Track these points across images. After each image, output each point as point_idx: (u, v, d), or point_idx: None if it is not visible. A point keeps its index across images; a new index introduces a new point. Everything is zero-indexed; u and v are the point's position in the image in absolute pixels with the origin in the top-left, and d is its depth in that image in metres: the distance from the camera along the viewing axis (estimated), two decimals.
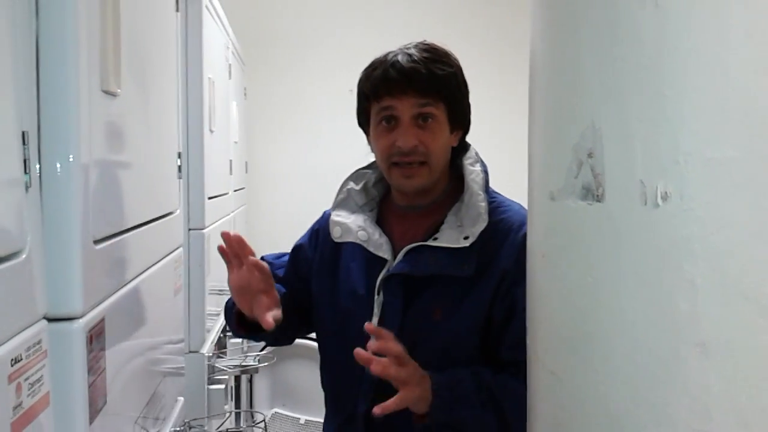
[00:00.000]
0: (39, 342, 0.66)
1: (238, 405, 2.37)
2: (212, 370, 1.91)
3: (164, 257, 1.20)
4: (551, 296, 0.76)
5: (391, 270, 1.15)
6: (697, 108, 0.58)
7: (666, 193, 0.60)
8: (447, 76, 1.12)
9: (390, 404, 1.01)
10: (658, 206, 0.61)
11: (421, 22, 3.26)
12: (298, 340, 3.22)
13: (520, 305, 0.90)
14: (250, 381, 2.79)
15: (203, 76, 1.74)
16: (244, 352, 2.23)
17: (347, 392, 1.17)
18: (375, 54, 1.16)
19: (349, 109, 1.22)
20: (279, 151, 3.40)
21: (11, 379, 0.59)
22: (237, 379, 2.34)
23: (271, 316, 1.09)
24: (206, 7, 1.77)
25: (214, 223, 1.96)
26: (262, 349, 2.74)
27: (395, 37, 1.30)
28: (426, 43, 1.15)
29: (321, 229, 1.28)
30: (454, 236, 1.11)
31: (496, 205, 1.16)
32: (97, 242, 0.78)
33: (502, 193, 1.23)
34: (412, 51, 1.12)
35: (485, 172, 1.18)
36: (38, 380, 0.65)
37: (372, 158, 1.23)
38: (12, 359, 0.60)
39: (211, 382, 1.87)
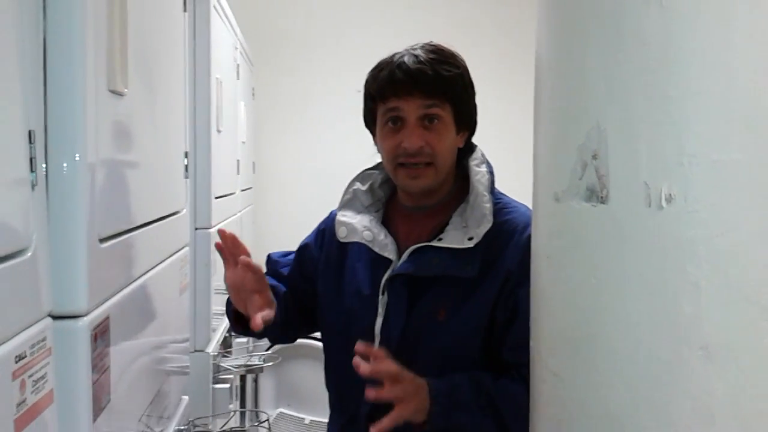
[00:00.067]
0: (44, 339, 0.66)
1: (243, 404, 2.38)
2: (217, 369, 1.91)
3: (170, 256, 1.21)
4: (555, 297, 0.76)
5: (395, 270, 1.15)
6: (701, 110, 0.58)
7: (670, 195, 0.60)
8: (453, 77, 1.12)
9: (386, 423, 1.02)
10: (662, 208, 0.60)
11: (429, 22, 3.26)
12: (303, 341, 3.23)
13: (523, 306, 0.90)
14: (256, 381, 2.80)
15: (211, 76, 1.75)
16: (249, 352, 2.24)
17: (350, 392, 1.17)
18: (383, 54, 1.16)
19: (357, 109, 1.23)
20: (287, 152, 3.40)
21: (15, 376, 0.60)
22: (242, 378, 2.35)
23: (261, 317, 1.10)
24: (214, 7, 1.78)
25: (221, 222, 1.97)
26: (267, 349, 2.75)
27: (403, 37, 1.30)
28: (432, 44, 1.15)
29: (327, 229, 1.28)
30: (458, 237, 1.11)
31: (501, 206, 1.16)
32: (102, 241, 0.79)
33: (508, 195, 1.23)
34: (419, 52, 1.12)
35: (491, 173, 1.18)
36: (42, 377, 0.65)
37: (378, 159, 1.23)
38: (16, 356, 0.60)
39: (216, 381, 1.87)
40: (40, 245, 0.66)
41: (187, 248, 1.37)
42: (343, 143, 3.01)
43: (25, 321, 0.64)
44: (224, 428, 1.79)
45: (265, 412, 2.16)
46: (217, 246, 1.14)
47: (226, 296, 1.24)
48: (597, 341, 0.68)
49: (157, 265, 1.10)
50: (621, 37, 0.63)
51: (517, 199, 1.21)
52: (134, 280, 0.95)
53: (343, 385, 1.25)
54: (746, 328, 0.58)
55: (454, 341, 1.12)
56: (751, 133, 0.57)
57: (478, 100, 1.20)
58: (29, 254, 0.64)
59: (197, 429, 1.49)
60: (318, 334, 1.32)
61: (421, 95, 1.10)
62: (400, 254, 1.17)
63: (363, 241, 1.18)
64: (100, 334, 0.78)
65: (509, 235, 1.13)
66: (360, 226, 1.20)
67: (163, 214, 1.14)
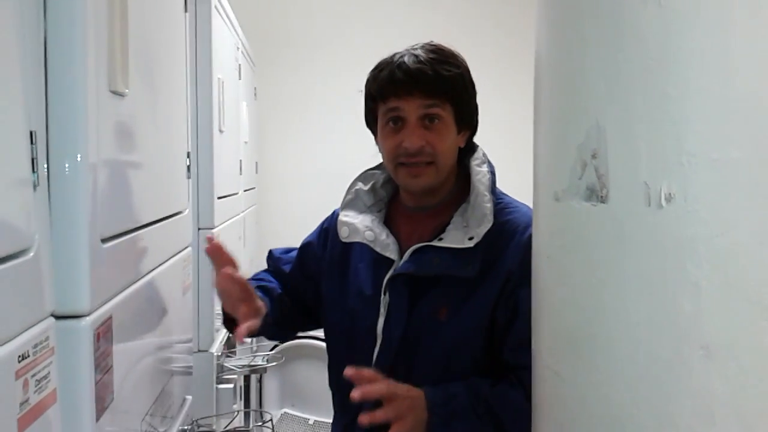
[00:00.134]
0: (46, 339, 0.67)
1: (247, 404, 2.38)
2: (221, 369, 1.92)
3: (173, 256, 1.21)
4: (555, 296, 0.76)
5: (397, 270, 1.16)
6: (701, 109, 0.58)
7: (670, 194, 0.60)
8: (453, 77, 1.12)
9: None
10: (662, 207, 0.60)
11: (430, 22, 3.26)
12: (307, 341, 3.23)
13: (524, 307, 0.90)
14: (260, 381, 2.81)
15: (212, 77, 1.75)
16: (253, 352, 2.24)
17: (353, 390, 1.16)
18: (385, 54, 1.16)
19: (359, 109, 1.23)
20: (289, 152, 3.41)
21: (18, 375, 0.60)
22: (246, 378, 2.35)
23: (245, 328, 1.11)
24: (215, 7, 1.78)
25: (224, 222, 1.97)
26: (271, 349, 2.75)
27: (405, 37, 1.30)
28: (433, 43, 1.15)
29: (331, 228, 1.28)
30: (459, 237, 1.11)
31: (502, 206, 1.16)
32: (104, 241, 0.79)
33: (510, 194, 1.23)
34: (419, 52, 1.12)
35: (492, 173, 1.18)
36: (45, 377, 0.66)
37: (380, 159, 1.23)
38: (19, 356, 0.61)
39: (220, 381, 1.88)
40: (42, 245, 0.67)
41: (189, 248, 1.38)
42: (345, 143, 3.01)
43: (28, 321, 0.64)
44: (228, 428, 1.79)
45: (268, 412, 2.17)
46: (207, 251, 1.15)
47: None
48: (597, 340, 0.68)
49: (160, 265, 1.11)
50: (620, 36, 0.63)
51: (519, 199, 1.21)
52: (137, 280, 0.96)
53: (346, 384, 1.25)
54: (746, 327, 0.58)
55: (454, 341, 1.12)
56: (751, 131, 0.56)
57: (480, 99, 1.20)
58: (31, 254, 0.64)
59: (201, 429, 1.49)
60: (322, 335, 1.33)
61: (421, 95, 1.10)
62: (401, 254, 1.18)
63: (365, 241, 1.19)
64: (103, 334, 0.78)
65: (510, 235, 1.13)
66: (362, 226, 1.20)
67: (166, 215, 1.14)
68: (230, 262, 1.15)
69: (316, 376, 2.95)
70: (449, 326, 1.12)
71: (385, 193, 1.27)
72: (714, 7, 0.58)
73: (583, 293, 0.70)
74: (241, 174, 2.35)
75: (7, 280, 0.60)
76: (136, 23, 0.90)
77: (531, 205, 0.90)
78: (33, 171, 0.65)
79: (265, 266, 1.39)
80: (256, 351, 2.29)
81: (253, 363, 2.10)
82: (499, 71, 3.17)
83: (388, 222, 1.24)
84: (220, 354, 1.90)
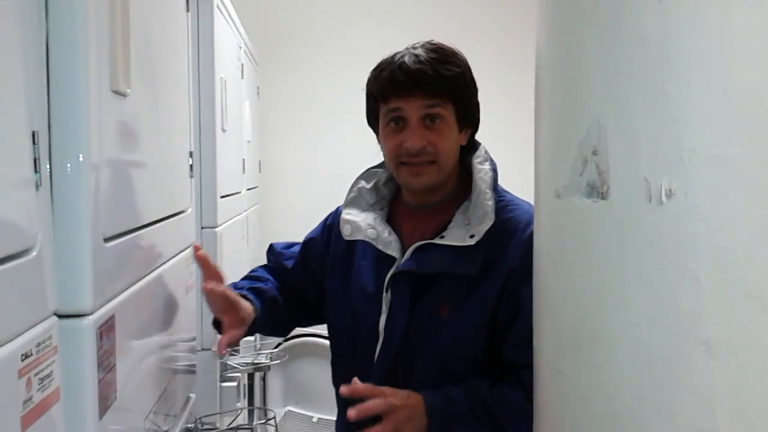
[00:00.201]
0: (49, 338, 0.67)
1: (251, 402, 2.39)
2: (224, 367, 1.92)
3: (176, 255, 1.22)
4: (556, 293, 0.76)
5: (398, 268, 1.16)
6: (701, 105, 0.58)
7: (670, 190, 0.60)
8: (454, 76, 1.12)
9: None
10: (662, 203, 0.60)
11: (433, 20, 3.26)
12: (310, 339, 3.23)
13: (525, 304, 0.90)
14: (263, 379, 2.81)
15: (215, 76, 1.75)
16: (256, 350, 2.25)
17: None
18: (388, 52, 1.16)
19: (362, 107, 1.23)
20: (292, 150, 3.41)
21: (21, 374, 0.61)
22: (250, 376, 2.36)
23: (225, 340, 1.13)
24: (217, 7, 1.79)
25: (228, 221, 1.98)
26: (275, 347, 2.75)
27: (407, 35, 1.30)
28: (433, 42, 1.15)
29: (334, 225, 1.29)
30: (460, 234, 1.12)
31: (504, 203, 1.16)
32: (107, 240, 0.79)
33: (513, 192, 1.23)
34: (419, 51, 1.12)
35: (494, 170, 1.18)
36: (48, 375, 0.66)
37: (382, 157, 1.23)
38: (22, 354, 0.61)
39: (224, 379, 1.88)
40: (45, 245, 0.67)
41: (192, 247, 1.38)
42: (348, 141, 3.01)
43: (31, 320, 0.64)
44: (231, 426, 1.79)
45: (271, 410, 2.17)
46: (195, 256, 1.17)
47: None
48: (598, 337, 0.68)
49: (163, 264, 1.11)
50: (620, 34, 0.63)
51: (521, 197, 1.21)
52: (140, 279, 0.96)
53: (349, 381, 1.25)
54: (747, 323, 0.58)
55: (456, 339, 1.12)
56: (751, 128, 0.56)
57: (482, 97, 1.20)
58: (34, 254, 0.65)
59: (204, 427, 1.49)
60: (325, 332, 1.33)
61: (422, 95, 1.10)
62: (404, 252, 1.18)
63: (367, 239, 1.19)
64: (106, 333, 0.78)
65: (511, 232, 1.13)
66: (364, 224, 1.20)
67: (168, 214, 1.14)
68: (214, 274, 1.17)
69: (320, 374, 2.95)
70: (450, 324, 1.12)
71: (388, 191, 1.27)
72: (714, 4, 0.58)
73: (583, 290, 0.70)
74: (243, 173, 2.35)
75: (9, 280, 0.60)
76: (137, 23, 0.90)
77: (532, 203, 0.90)
78: (35, 171, 0.66)
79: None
80: (260, 349, 2.30)
81: (256, 361, 2.10)
82: (501, 69, 3.16)
83: (391, 220, 1.24)
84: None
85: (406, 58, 1.11)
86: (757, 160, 0.57)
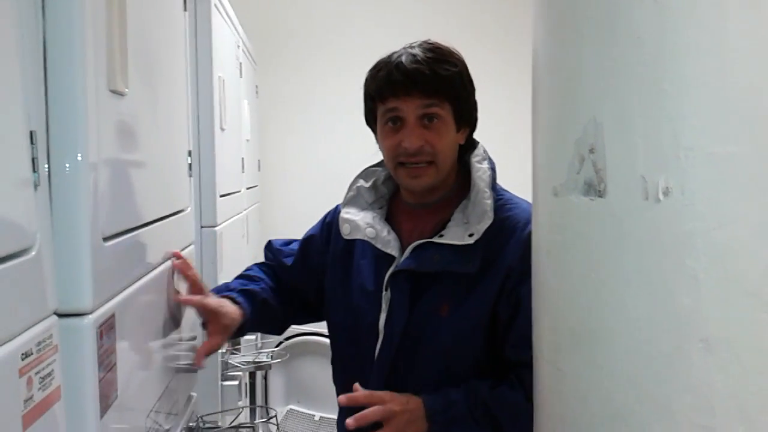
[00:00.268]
0: (50, 337, 0.67)
1: (253, 401, 2.39)
2: (226, 366, 1.92)
3: None
4: (555, 291, 0.76)
5: (398, 266, 1.16)
6: (697, 103, 0.58)
7: (667, 188, 0.60)
8: (451, 75, 1.12)
9: None
10: (659, 201, 0.61)
11: (432, 20, 3.25)
12: (311, 337, 3.23)
13: (525, 303, 0.90)
14: (265, 378, 2.82)
15: (213, 75, 1.75)
16: (257, 349, 2.25)
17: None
18: (386, 51, 1.16)
19: (361, 106, 1.23)
20: (292, 149, 3.41)
21: (22, 373, 0.61)
22: (252, 375, 2.36)
23: (203, 351, 1.15)
24: (215, 6, 1.79)
25: (227, 220, 1.98)
26: (276, 346, 2.76)
27: (406, 34, 1.30)
28: (430, 42, 1.15)
29: (334, 223, 1.29)
30: (459, 233, 1.12)
31: (503, 202, 1.16)
32: (106, 239, 0.80)
33: (510, 191, 1.23)
34: (416, 51, 1.12)
35: (492, 169, 1.18)
36: (49, 374, 0.66)
37: (381, 156, 1.23)
38: (23, 353, 0.61)
39: (225, 378, 1.88)
40: (44, 244, 0.67)
41: (192, 246, 1.38)
42: (347, 140, 3.01)
43: (31, 319, 0.65)
44: (233, 424, 1.80)
45: (273, 408, 2.17)
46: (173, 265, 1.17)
47: None
48: (597, 334, 0.68)
49: (163, 262, 1.11)
50: (616, 32, 0.63)
51: (520, 196, 1.21)
52: (140, 278, 0.96)
53: (350, 379, 1.25)
54: (745, 320, 0.58)
55: (455, 337, 1.13)
56: (747, 125, 0.57)
57: (479, 96, 1.20)
58: (33, 253, 0.65)
59: (206, 425, 1.50)
60: (326, 331, 1.33)
61: (419, 95, 1.10)
62: (403, 251, 1.18)
63: (366, 238, 1.19)
64: (106, 332, 0.79)
65: (510, 231, 1.13)
66: (363, 223, 1.20)
67: (167, 213, 1.14)
68: (193, 283, 1.17)
69: (322, 373, 2.96)
70: (450, 322, 1.13)
71: (387, 190, 1.27)
72: (710, 2, 0.58)
73: (582, 287, 0.70)
74: (243, 172, 2.35)
75: (9, 279, 0.60)
76: (135, 22, 0.90)
77: (531, 201, 0.90)
78: (34, 171, 0.66)
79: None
80: (261, 348, 2.30)
81: (257, 360, 2.10)
82: (499, 68, 3.16)
83: (390, 219, 1.24)
84: (224, 351, 1.91)
85: (403, 58, 1.11)
86: (754, 158, 0.57)
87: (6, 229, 0.60)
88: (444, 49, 1.14)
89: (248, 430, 1.63)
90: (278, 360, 2.18)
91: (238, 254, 2.17)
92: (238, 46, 2.30)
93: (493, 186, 1.16)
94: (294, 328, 2.84)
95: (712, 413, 0.60)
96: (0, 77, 0.60)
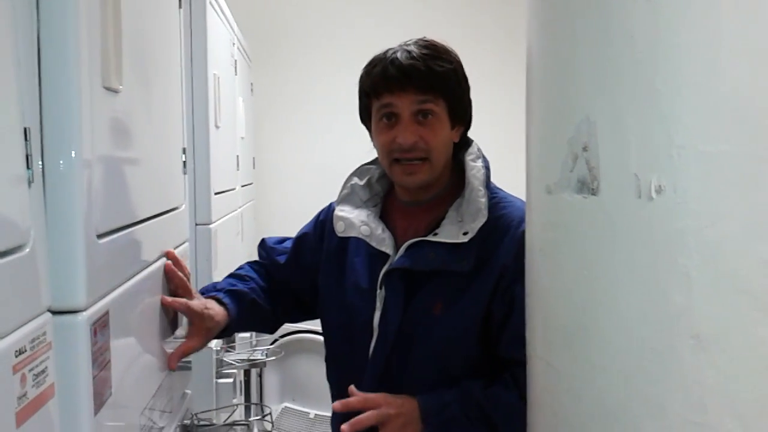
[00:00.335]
0: (43, 334, 0.67)
1: (248, 399, 2.39)
2: (220, 363, 1.92)
3: None
4: (548, 289, 0.76)
5: (392, 265, 1.16)
6: (690, 102, 0.59)
7: (660, 186, 0.60)
8: (446, 72, 1.12)
9: None
10: (652, 199, 0.61)
11: (428, 18, 3.25)
12: (306, 335, 3.23)
13: (520, 302, 0.90)
14: (260, 375, 2.82)
15: (208, 73, 1.75)
16: (252, 346, 2.25)
17: (351, 383, 1.17)
18: (382, 49, 1.16)
19: (356, 104, 1.23)
20: (287, 147, 3.41)
21: (15, 370, 0.61)
22: (247, 373, 2.36)
23: (177, 353, 1.15)
24: (210, 3, 1.78)
25: (222, 218, 1.98)
26: (271, 344, 2.76)
27: (402, 33, 1.30)
28: (426, 39, 1.15)
29: (327, 221, 1.29)
30: (453, 231, 1.12)
31: (497, 200, 1.17)
32: (100, 236, 0.79)
33: (504, 189, 1.23)
34: (412, 48, 1.12)
35: (487, 167, 1.18)
36: (43, 371, 0.66)
37: (375, 154, 1.23)
38: (16, 350, 0.61)
39: (220, 375, 1.88)
40: (38, 241, 0.67)
41: (187, 244, 1.38)
42: (342, 138, 3.00)
43: (25, 316, 0.65)
44: (227, 422, 1.80)
45: (267, 406, 2.18)
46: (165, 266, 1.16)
47: None
48: (590, 331, 0.69)
49: (157, 260, 1.11)
50: (609, 31, 0.64)
51: (515, 194, 1.21)
52: (134, 276, 0.96)
53: (344, 377, 1.26)
54: (736, 317, 0.59)
55: (449, 335, 1.13)
56: (739, 124, 0.57)
57: (476, 95, 1.20)
58: (27, 250, 0.65)
59: (201, 423, 1.50)
60: (320, 328, 1.33)
61: (414, 91, 1.11)
62: (397, 249, 1.18)
63: (360, 236, 1.19)
64: (100, 329, 0.78)
65: (504, 229, 1.13)
66: (357, 221, 1.20)
67: (162, 210, 1.14)
68: (181, 285, 1.16)
69: (317, 370, 2.95)
70: (444, 321, 1.13)
71: (381, 188, 1.27)
72: (702, 2, 0.58)
73: (575, 285, 0.70)
74: (238, 169, 2.35)
75: (3, 276, 0.60)
76: (129, 19, 0.90)
77: (525, 199, 0.91)
78: (28, 168, 0.65)
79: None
80: (256, 345, 2.30)
81: (252, 357, 2.10)
82: (495, 67, 3.17)
83: (384, 216, 1.24)
84: (219, 349, 1.91)
85: (399, 54, 1.11)
86: (746, 156, 0.57)
87: (0, 227, 0.60)
88: (439, 47, 1.14)
89: (243, 427, 1.63)
90: (273, 357, 2.18)
91: (232, 252, 2.17)
92: (234, 44, 2.29)
93: (487, 184, 1.16)
94: (289, 326, 2.85)
95: (704, 410, 0.60)
96: None
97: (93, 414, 0.76)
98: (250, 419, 1.86)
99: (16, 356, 0.61)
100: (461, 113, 1.17)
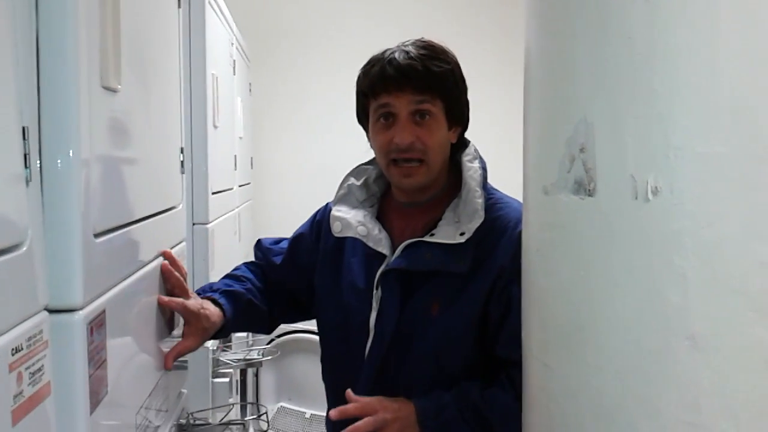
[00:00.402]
0: (40, 332, 0.67)
1: (244, 398, 2.39)
2: (217, 363, 1.92)
3: None
4: (544, 289, 0.77)
5: (389, 265, 1.16)
6: (687, 104, 0.59)
7: (656, 187, 0.61)
8: (444, 72, 1.12)
9: None
10: (648, 200, 0.61)
11: (428, 19, 3.26)
12: (302, 335, 3.23)
13: (516, 303, 0.91)
14: (256, 375, 2.81)
15: (206, 72, 1.75)
16: (248, 346, 2.25)
17: (347, 384, 1.18)
18: (380, 50, 1.16)
19: (354, 104, 1.23)
20: (285, 147, 3.41)
21: (12, 368, 0.61)
22: (243, 372, 2.36)
23: (173, 353, 1.14)
24: (209, 3, 1.78)
25: (219, 217, 1.98)
26: (267, 343, 2.76)
27: (401, 33, 1.30)
28: (423, 40, 1.15)
29: (323, 221, 1.29)
30: (450, 232, 1.12)
31: (493, 201, 1.17)
32: (97, 235, 0.79)
33: (502, 190, 1.23)
34: (410, 48, 1.12)
35: (484, 168, 1.18)
36: (39, 370, 0.66)
37: (372, 154, 1.23)
38: (13, 349, 0.61)
39: (216, 375, 1.88)
40: (35, 240, 0.67)
41: (184, 243, 1.38)
42: (340, 138, 3.00)
43: (21, 314, 0.64)
44: (223, 421, 1.80)
45: (264, 406, 2.18)
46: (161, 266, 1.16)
47: None
48: (586, 332, 0.69)
49: (154, 259, 1.11)
50: (607, 32, 0.64)
51: (512, 196, 1.22)
52: (131, 275, 0.96)
53: (339, 378, 1.26)
54: (732, 317, 0.59)
55: (446, 336, 1.13)
56: (736, 126, 0.57)
57: (475, 96, 1.20)
58: (24, 249, 0.65)
59: (197, 422, 1.50)
60: (316, 328, 1.33)
61: (411, 91, 1.11)
62: (394, 249, 1.18)
63: (357, 236, 1.19)
64: (96, 328, 0.78)
65: (501, 230, 1.14)
66: (354, 221, 1.20)
67: (159, 209, 1.14)
68: (177, 286, 1.16)
69: (313, 370, 2.95)
70: (441, 321, 1.13)
71: (378, 189, 1.28)
72: (700, 2, 0.58)
73: (571, 285, 0.70)
74: (235, 169, 2.35)
75: (0, 275, 0.60)
76: (128, 19, 0.90)
77: (521, 200, 0.91)
78: (25, 166, 0.65)
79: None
80: (252, 345, 2.30)
81: (248, 357, 2.10)
82: (494, 68, 3.17)
83: (381, 217, 1.24)
84: (215, 348, 1.91)
85: (397, 54, 1.12)
86: (743, 158, 0.58)
87: None
88: (437, 47, 1.15)
89: (239, 427, 1.63)
90: (269, 357, 2.18)
91: (229, 252, 2.17)
92: (232, 44, 2.29)
93: (484, 185, 1.16)
94: (285, 326, 2.84)
95: (698, 410, 0.60)
96: None
97: (89, 413, 0.76)
98: (245, 419, 1.86)
99: (13, 354, 0.61)
100: (458, 114, 1.17)
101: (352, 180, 1.25)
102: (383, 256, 1.18)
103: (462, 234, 1.11)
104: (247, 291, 1.28)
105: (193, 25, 1.71)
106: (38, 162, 0.69)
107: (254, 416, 2.04)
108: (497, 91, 3.02)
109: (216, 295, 1.23)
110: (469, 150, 1.20)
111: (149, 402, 1.06)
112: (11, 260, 0.62)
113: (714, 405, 0.60)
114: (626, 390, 0.65)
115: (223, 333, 1.25)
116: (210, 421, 1.63)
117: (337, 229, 1.21)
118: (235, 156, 2.34)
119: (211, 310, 1.19)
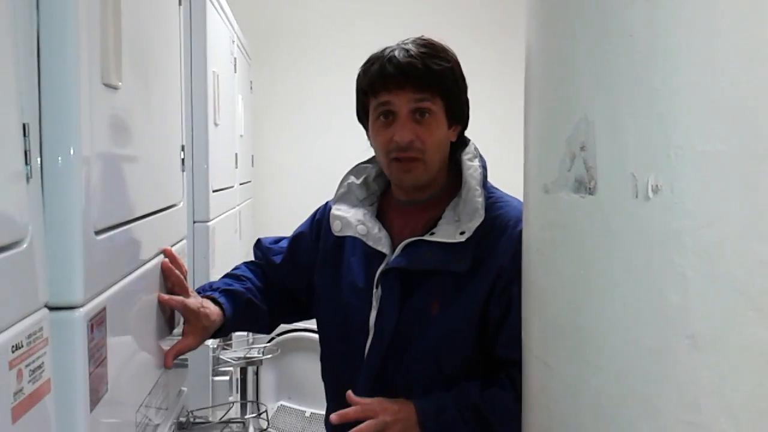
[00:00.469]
0: (40, 330, 0.67)
1: (243, 397, 2.39)
2: (217, 361, 1.92)
3: None
4: (544, 288, 0.77)
5: (389, 264, 1.16)
6: (688, 102, 0.59)
7: (657, 186, 0.61)
8: (444, 71, 1.12)
9: None
10: (649, 199, 0.61)
11: (428, 17, 3.25)
12: (303, 334, 3.23)
13: (517, 302, 0.91)
14: (257, 373, 2.81)
15: (207, 70, 1.75)
16: (249, 345, 2.25)
17: (346, 383, 1.18)
18: (380, 47, 1.16)
19: (354, 102, 1.23)
20: (286, 145, 3.41)
21: (12, 366, 0.61)
22: (243, 371, 2.36)
23: (173, 352, 1.14)
24: (210, 1, 1.78)
25: (220, 215, 1.98)
26: (268, 342, 2.76)
27: (401, 32, 1.30)
28: (423, 38, 1.15)
29: (323, 220, 1.29)
30: (450, 231, 1.12)
31: (493, 200, 1.17)
32: (98, 233, 0.79)
33: (502, 188, 1.23)
34: (410, 46, 1.12)
35: (484, 167, 1.18)
36: (39, 367, 0.66)
37: (372, 153, 1.23)
38: (13, 346, 0.61)
39: (216, 373, 1.88)
40: (35, 237, 0.67)
41: (184, 241, 1.38)
42: (341, 136, 3.01)
43: (22, 312, 0.64)
44: (223, 419, 1.80)
45: (264, 404, 2.18)
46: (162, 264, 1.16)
47: None
48: (586, 330, 0.69)
49: (155, 257, 1.11)
50: (608, 31, 0.64)
51: (512, 194, 1.21)
52: (131, 272, 0.96)
53: (339, 377, 1.26)
54: (732, 317, 0.59)
55: (446, 335, 1.13)
56: (736, 124, 0.57)
57: (475, 95, 1.20)
58: (25, 246, 0.65)
59: (197, 420, 1.50)
60: (315, 326, 1.33)
61: (411, 89, 1.11)
62: (394, 248, 1.18)
63: (357, 235, 1.19)
64: (97, 325, 0.78)
65: (501, 229, 1.13)
66: (354, 220, 1.20)
67: (160, 207, 1.14)
68: (177, 284, 1.15)
69: (313, 369, 2.95)
70: (441, 320, 1.13)
71: (378, 187, 1.27)
72: (700, 2, 0.58)
73: (571, 284, 0.70)
74: (236, 167, 2.35)
75: (0, 272, 0.60)
76: (129, 16, 0.90)
77: (522, 198, 0.91)
78: (26, 163, 0.65)
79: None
80: (252, 343, 2.30)
81: (248, 355, 2.10)
82: (495, 66, 3.17)
83: (381, 216, 1.24)
84: (215, 346, 1.91)
85: (397, 52, 1.12)
86: (744, 157, 0.58)
87: None
88: (437, 45, 1.14)
89: (238, 425, 1.63)
90: (269, 356, 2.18)
91: (230, 249, 2.17)
92: (233, 42, 2.29)
93: (484, 184, 1.16)
94: (285, 324, 2.85)
95: (698, 409, 0.60)
96: None
97: (89, 410, 0.76)
98: (245, 417, 1.87)
99: (13, 352, 0.61)
100: (458, 112, 1.17)
101: (352, 178, 1.25)
102: (383, 255, 1.18)
103: (462, 233, 1.11)
104: (247, 290, 1.28)
105: (194, 22, 1.71)
106: (39, 159, 0.69)
107: (254, 414, 2.04)
108: (497, 90, 3.02)
109: (216, 294, 1.23)
110: (469, 149, 1.20)
111: (149, 400, 1.06)
112: (12, 257, 0.62)
113: (714, 405, 0.60)
114: (626, 389, 0.65)
115: (222, 332, 1.25)
116: (210, 419, 1.63)
117: (336, 228, 1.21)
118: (236, 154, 2.34)
119: (211, 309, 1.19)
